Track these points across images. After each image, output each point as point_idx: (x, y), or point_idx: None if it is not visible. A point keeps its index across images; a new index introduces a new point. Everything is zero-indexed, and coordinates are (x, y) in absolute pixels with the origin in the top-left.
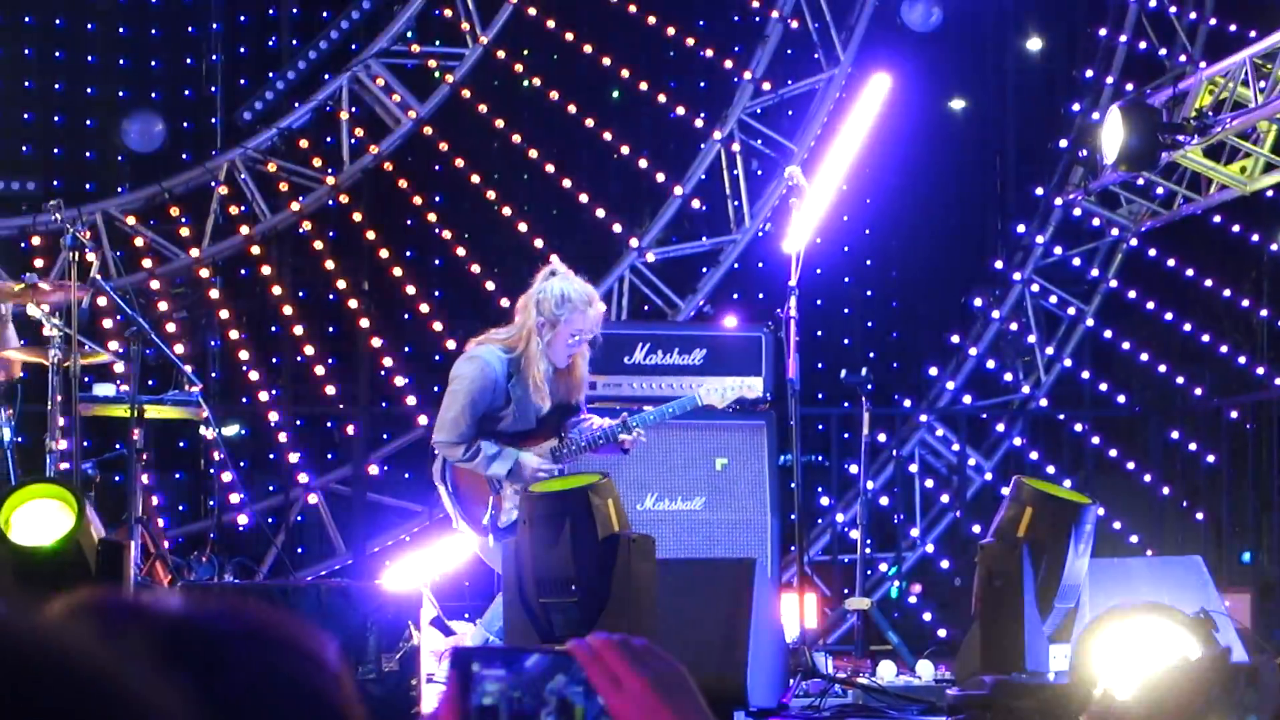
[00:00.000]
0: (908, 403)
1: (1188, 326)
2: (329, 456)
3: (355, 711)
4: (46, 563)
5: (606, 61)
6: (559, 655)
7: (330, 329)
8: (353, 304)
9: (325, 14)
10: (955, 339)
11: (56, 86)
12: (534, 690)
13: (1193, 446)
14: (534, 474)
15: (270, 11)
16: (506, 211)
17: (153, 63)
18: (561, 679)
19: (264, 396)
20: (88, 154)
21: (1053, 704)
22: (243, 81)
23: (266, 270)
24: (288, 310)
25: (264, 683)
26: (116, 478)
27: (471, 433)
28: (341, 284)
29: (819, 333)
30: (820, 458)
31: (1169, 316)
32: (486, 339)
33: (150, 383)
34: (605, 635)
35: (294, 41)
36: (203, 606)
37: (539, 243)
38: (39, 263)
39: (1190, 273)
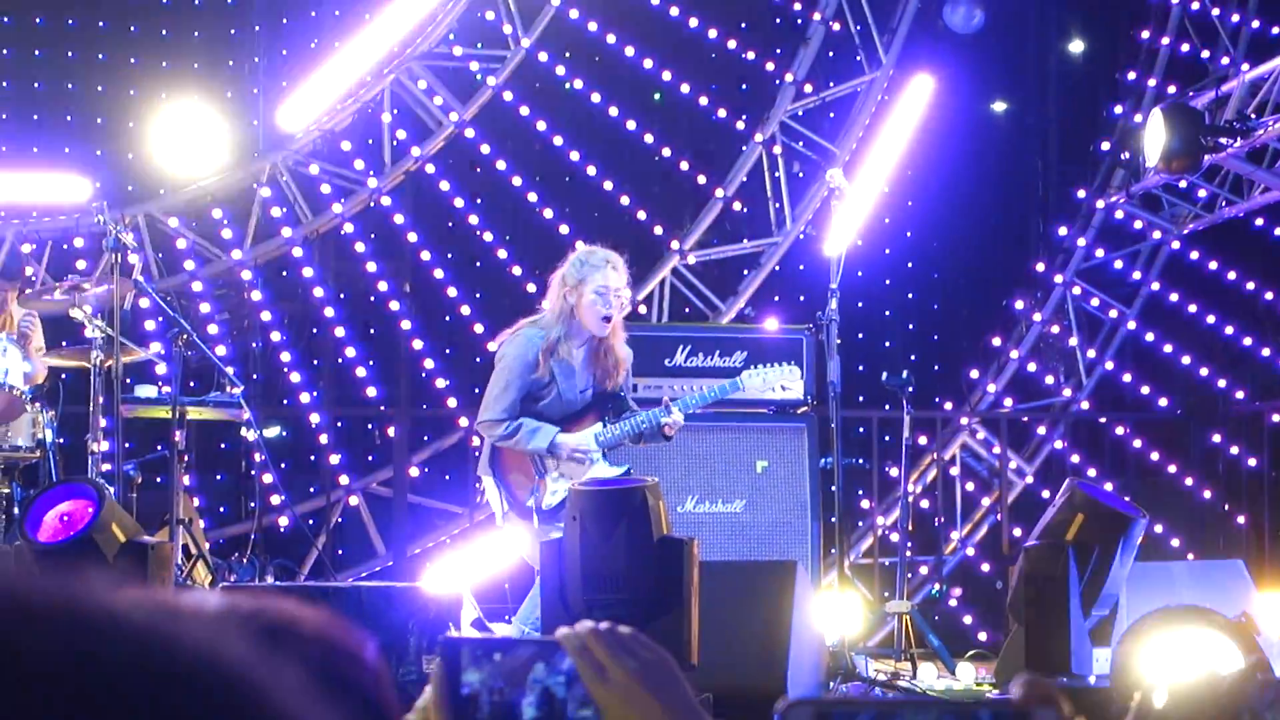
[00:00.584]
0: (949, 405)
1: (1230, 329)
2: (370, 458)
3: (392, 706)
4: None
5: (648, 64)
6: (544, 644)
7: (371, 331)
8: (394, 306)
9: (367, 15)
10: (996, 342)
11: (99, 88)
12: (515, 680)
13: (1234, 450)
14: (571, 453)
15: (312, 13)
16: (548, 214)
17: (195, 64)
18: (542, 668)
19: (305, 398)
20: (130, 155)
21: (1092, 709)
22: (284, 83)
23: (308, 272)
24: (329, 312)
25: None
26: (158, 479)
27: (513, 412)
28: (383, 286)
29: (860, 335)
30: (861, 460)
31: (1211, 319)
32: (527, 321)
33: (192, 384)
34: (592, 624)
35: (336, 43)
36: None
37: (580, 244)
38: (81, 264)
39: (1232, 275)
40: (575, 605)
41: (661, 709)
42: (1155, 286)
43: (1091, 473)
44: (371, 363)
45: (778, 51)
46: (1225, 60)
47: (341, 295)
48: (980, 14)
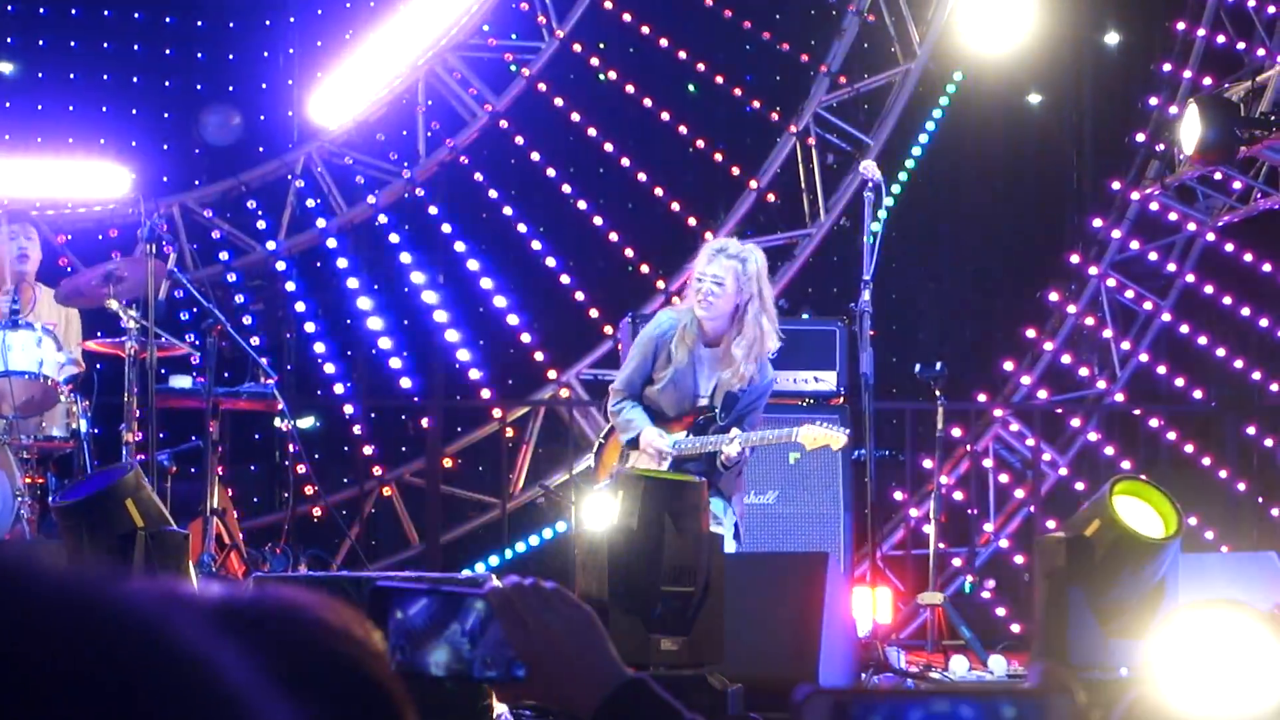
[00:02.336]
0: (982, 397)
1: (1265, 321)
2: (403, 449)
3: (396, 689)
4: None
5: (683, 55)
6: (457, 599)
7: (405, 322)
8: (428, 297)
9: (402, 6)
10: (1031, 333)
11: (134, 79)
12: (429, 634)
13: (1269, 442)
14: (647, 444)
15: (347, 4)
16: (582, 205)
17: (230, 55)
18: (455, 626)
19: (339, 389)
20: (165, 146)
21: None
22: (319, 74)
23: (342, 263)
24: (363, 303)
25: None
26: (192, 470)
27: (631, 389)
28: (417, 277)
29: (894, 327)
30: (894, 452)
31: (1246, 311)
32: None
33: (226, 375)
34: (516, 579)
35: (370, 34)
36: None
37: (614, 236)
38: (116, 254)
39: (1268, 267)
40: (635, 594)
41: (584, 664)
42: (1190, 278)
43: (1125, 464)
44: (405, 354)
45: (812, 43)
46: (1261, 52)
47: (375, 286)
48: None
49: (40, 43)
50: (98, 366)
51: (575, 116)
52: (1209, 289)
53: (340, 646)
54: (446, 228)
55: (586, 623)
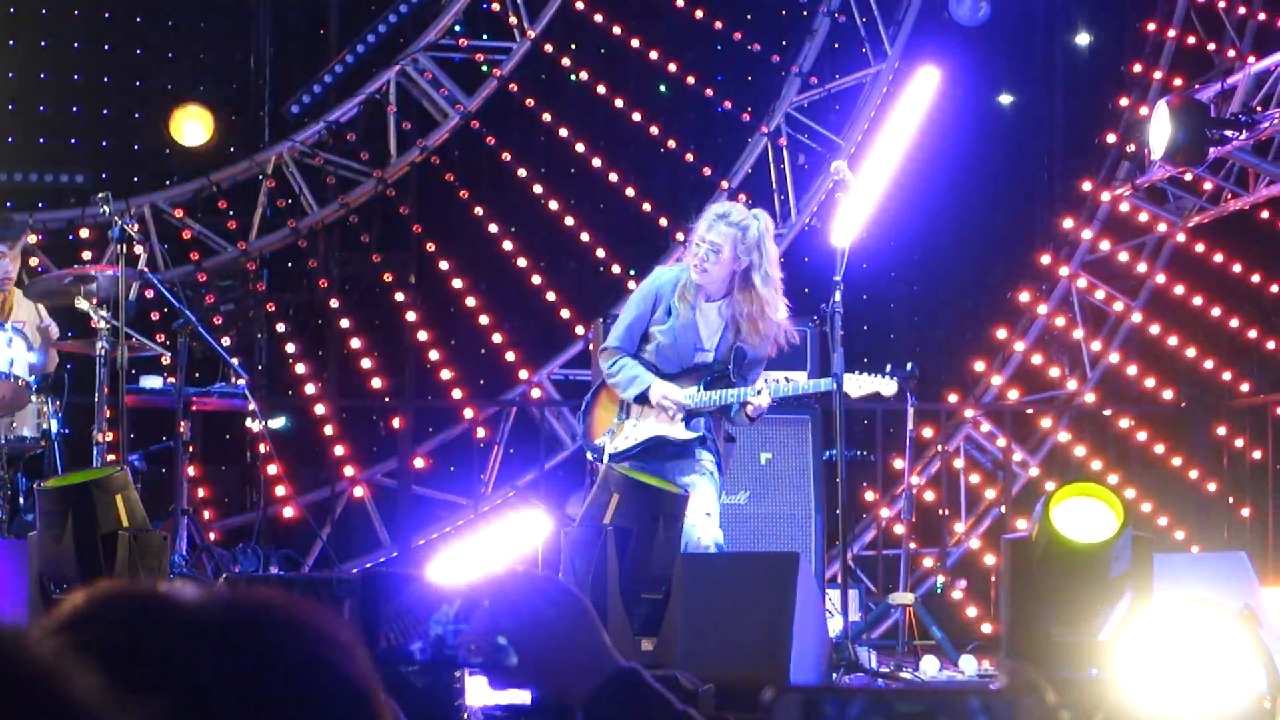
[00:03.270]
0: (953, 398)
1: (1235, 322)
2: (375, 449)
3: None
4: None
5: (654, 55)
6: (447, 585)
7: (377, 322)
8: (399, 297)
9: (373, 7)
10: (1001, 334)
11: (105, 79)
12: (414, 622)
13: (1239, 442)
14: (660, 399)
15: (318, 4)
16: (553, 205)
17: (200, 55)
18: (442, 612)
19: (310, 389)
20: (136, 147)
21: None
22: (290, 75)
23: (314, 263)
24: (334, 303)
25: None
26: (163, 470)
27: (628, 345)
28: (388, 277)
29: (865, 327)
30: (865, 453)
31: (1216, 311)
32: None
33: (197, 375)
34: (509, 566)
35: (341, 34)
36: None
37: (585, 236)
38: (87, 255)
39: (1237, 268)
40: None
41: (577, 651)
42: (1160, 279)
43: (1096, 465)
44: (377, 354)
45: (783, 43)
46: (1231, 53)
47: (346, 286)
48: (986, 6)
49: (11, 43)
50: (68, 367)
51: (547, 117)
52: (1179, 289)
53: (317, 646)
54: (417, 228)
55: (581, 611)
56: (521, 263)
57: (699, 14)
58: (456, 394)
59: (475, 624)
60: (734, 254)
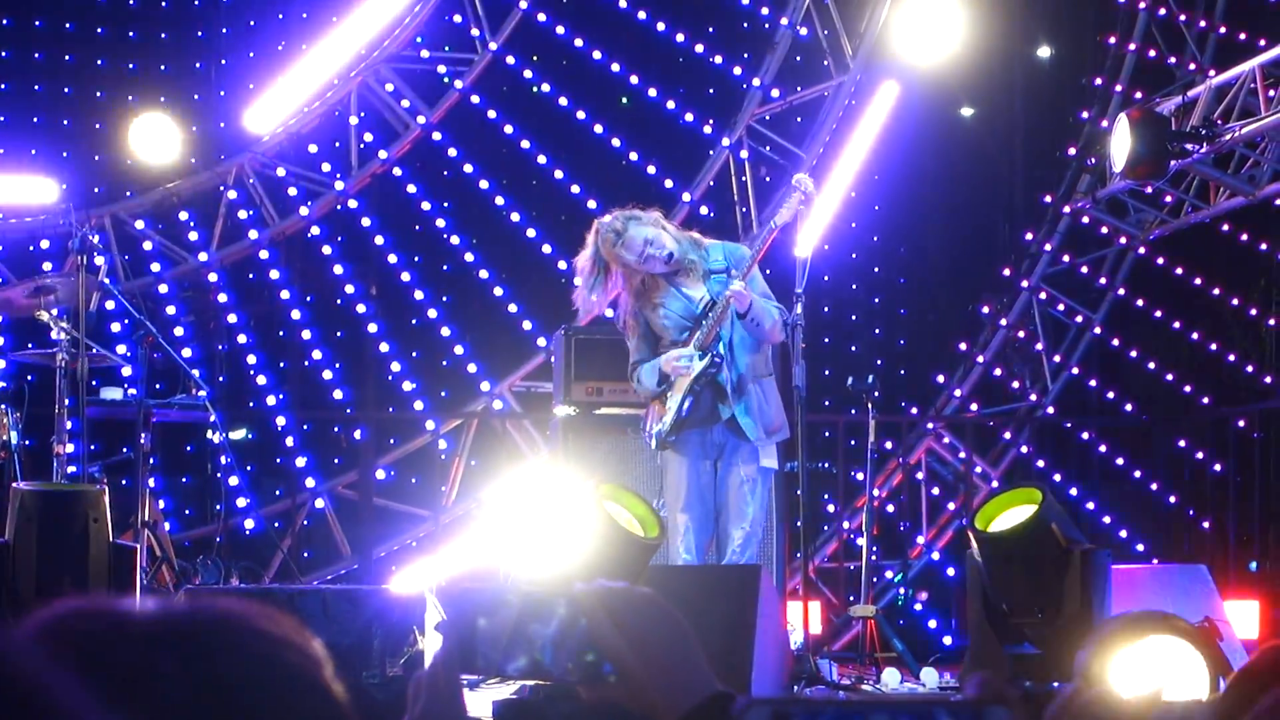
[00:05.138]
0: (915, 410)
1: (1195, 335)
2: (336, 461)
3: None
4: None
5: (616, 68)
6: (545, 601)
7: (338, 334)
8: (361, 309)
9: (334, 18)
10: (963, 346)
11: (66, 90)
12: (513, 640)
13: (1199, 455)
14: (675, 368)
15: (279, 15)
16: (515, 217)
17: (162, 66)
18: (539, 631)
19: (271, 400)
20: (96, 157)
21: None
22: (251, 85)
23: (275, 274)
24: (296, 314)
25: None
26: (124, 481)
27: (645, 357)
28: (350, 288)
29: (826, 339)
30: (827, 464)
31: (1176, 325)
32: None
33: (158, 386)
34: (605, 582)
35: (303, 45)
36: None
37: (547, 248)
38: (48, 265)
39: (1198, 281)
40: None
41: (675, 670)
42: (1121, 292)
43: (1057, 477)
44: (338, 365)
45: (745, 56)
46: (1192, 66)
47: (308, 298)
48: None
49: None
50: (29, 378)
51: (509, 129)
52: (1140, 302)
53: (282, 654)
54: (380, 239)
55: (679, 629)
56: (484, 274)
57: (661, 26)
58: (418, 405)
59: (573, 642)
60: (658, 230)
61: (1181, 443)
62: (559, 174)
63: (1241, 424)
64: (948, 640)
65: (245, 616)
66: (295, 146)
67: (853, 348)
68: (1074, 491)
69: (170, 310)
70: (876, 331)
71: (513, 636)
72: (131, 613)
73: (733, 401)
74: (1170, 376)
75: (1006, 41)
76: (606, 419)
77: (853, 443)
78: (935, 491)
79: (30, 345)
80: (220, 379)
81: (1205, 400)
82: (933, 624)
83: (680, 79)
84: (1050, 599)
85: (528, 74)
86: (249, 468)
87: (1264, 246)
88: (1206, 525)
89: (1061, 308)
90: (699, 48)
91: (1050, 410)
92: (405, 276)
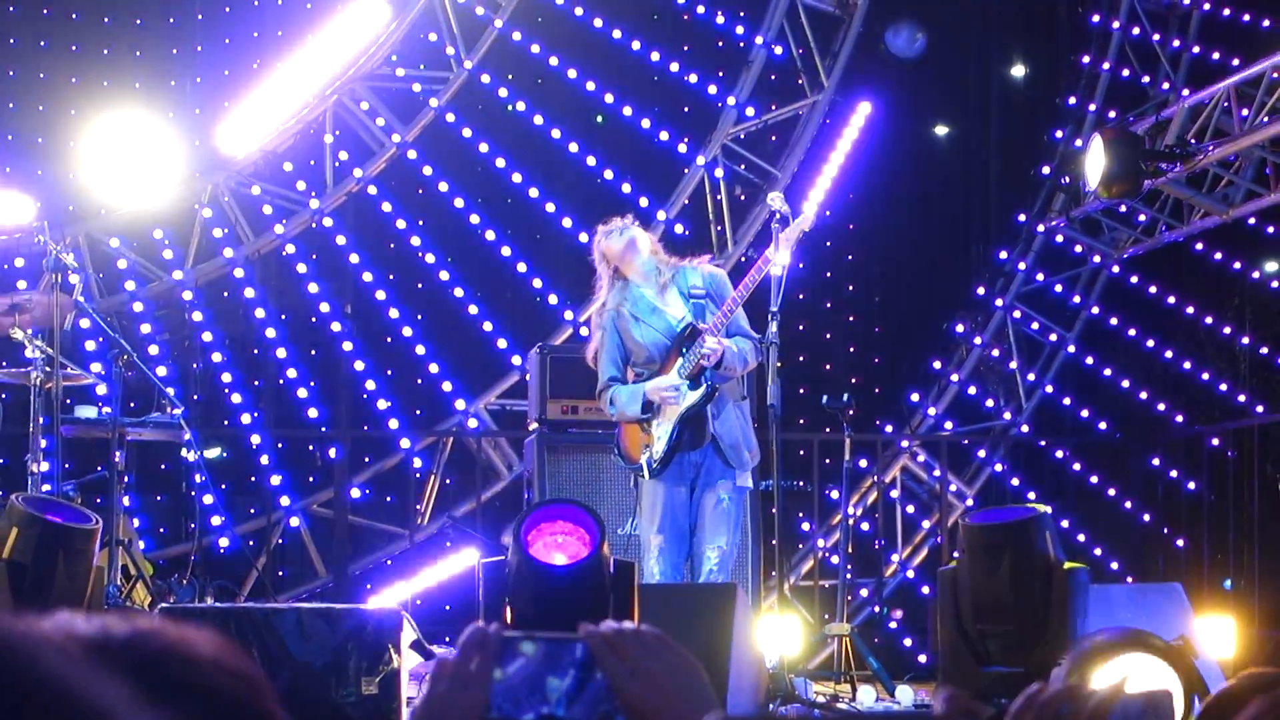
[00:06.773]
0: (889, 428)
1: (1169, 354)
2: (311, 479)
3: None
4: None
5: (591, 86)
6: (559, 650)
7: (313, 352)
8: (335, 327)
9: (310, 36)
10: (937, 365)
11: (40, 107)
12: (520, 696)
13: (1173, 474)
14: (660, 396)
15: (255, 33)
16: (490, 235)
17: (136, 84)
18: (554, 683)
19: (246, 419)
20: (71, 175)
21: None
22: (226, 103)
23: (249, 293)
24: (270, 333)
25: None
26: (98, 500)
27: (616, 372)
28: (325, 307)
29: (801, 358)
30: (802, 483)
31: (1150, 344)
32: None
33: (132, 405)
34: (617, 625)
35: (279, 64)
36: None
37: (522, 266)
38: (22, 284)
39: (1172, 300)
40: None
41: (687, 710)
42: (1095, 310)
43: (1031, 496)
44: (313, 384)
45: (720, 75)
46: (1165, 85)
47: (283, 316)
48: (922, 38)
49: None
50: (3, 397)
51: (484, 147)
52: (1114, 321)
53: (218, 679)
54: (354, 258)
55: (692, 671)
56: (458, 292)
57: (636, 45)
58: (393, 424)
59: (590, 696)
60: (647, 242)
61: (1156, 461)
62: (534, 192)
63: (1215, 442)
64: (922, 658)
65: (185, 641)
66: (270, 164)
67: (827, 366)
68: (1048, 509)
69: (145, 328)
70: (851, 350)
71: (529, 688)
72: (71, 632)
73: (716, 428)
74: (1144, 395)
75: (981, 60)
76: (581, 437)
77: (828, 461)
78: (910, 510)
79: (4, 364)
80: (195, 397)
81: (1179, 419)
82: (907, 642)
83: (655, 98)
84: (1030, 611)
85: (503, 92)
86: (224, 486)
87: (1238, 265)
88: (1181, 543)
89: (1036, 326)
90: (674, 66)
91: (1025, 429)
92: (380, 295)
